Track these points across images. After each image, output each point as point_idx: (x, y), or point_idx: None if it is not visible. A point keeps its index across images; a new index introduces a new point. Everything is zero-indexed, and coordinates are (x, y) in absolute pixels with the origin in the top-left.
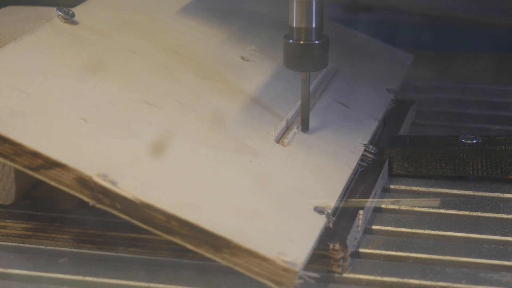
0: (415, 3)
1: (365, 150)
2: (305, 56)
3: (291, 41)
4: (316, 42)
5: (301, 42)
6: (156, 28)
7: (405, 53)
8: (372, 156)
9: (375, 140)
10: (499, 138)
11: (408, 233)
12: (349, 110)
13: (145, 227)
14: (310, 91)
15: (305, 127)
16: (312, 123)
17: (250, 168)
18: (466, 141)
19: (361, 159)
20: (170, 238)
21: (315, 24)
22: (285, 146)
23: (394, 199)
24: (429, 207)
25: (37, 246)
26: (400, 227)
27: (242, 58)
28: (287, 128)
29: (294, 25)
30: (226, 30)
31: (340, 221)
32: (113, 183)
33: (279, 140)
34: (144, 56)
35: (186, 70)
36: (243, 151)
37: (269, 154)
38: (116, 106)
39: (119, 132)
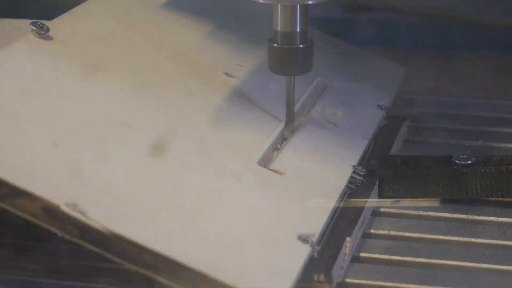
0: (415, 3)
1: (353, 172)
2: (289, 60)
3: (275, 45)
4: (301, 46)
5: (285, 46)
6: (137, 41)
7: (398, 65)
8: (361, 178)
9: (365, 160)
10: (494, 158)
11: (398, 261)
12: (338, 129)
13: (116, 260)
14: (298, 106)
15: (289, 126)
16: (297, 143)
17: (231, 194)
18: (460, 162)
19: (350, 181)
20: (143, 271)
21: (300, 28)
22: (267, 168)
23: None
24: (420, 233)
25: (5, 276)
26: (390, 254)
27: (226, 74)
28: (271, 149)
29: (279, 29)
30: (210, 44)
31: (326, 250)
32: (82, 212)
33: (262, 162)
34: (122, 72)
35: (167, 87)
36: (225, 175)
37: (251, 177)
38: (90, 128)
39: (91, 156)
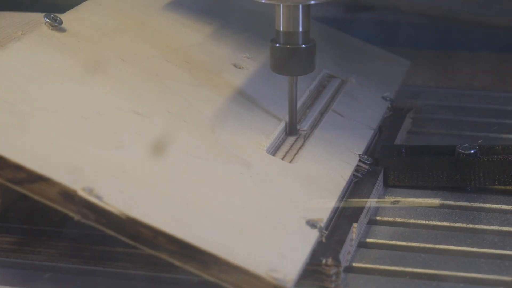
0: (415, 3)
1: (359, 160)
2: (291, 60)
3: (277, 45)
4: (303, 46)
5: (288, 46)
6: (146, 34)
7: (402, 59)
8: (367, 166)
9: (370, 149)
10: (496, 147)
11: (404, 246)
12: (344, 119)
13: (132, 242)
14: (305, 97)
15: (292, 130)
16: (305, 132)
17: (241, 181)
18: (463, 151)
19: (356, 170)
20: (158, 254)
21: (302, 28)
22: (276, 156)
23: (393, 200)
24: (425, 219)
25: (22, 261)
26: (395, 240)
27: (235, 65)
28: (280, 138)
29: (281, 29)
30: (218, 37)
31: (333, 235)
32: (99, 197)
33: (271, 150)
34: (133, 63)
35: (177, 78)
36: (234, 162)
37: (260, 165)
38: (104, 116)
39: (106, 143)
